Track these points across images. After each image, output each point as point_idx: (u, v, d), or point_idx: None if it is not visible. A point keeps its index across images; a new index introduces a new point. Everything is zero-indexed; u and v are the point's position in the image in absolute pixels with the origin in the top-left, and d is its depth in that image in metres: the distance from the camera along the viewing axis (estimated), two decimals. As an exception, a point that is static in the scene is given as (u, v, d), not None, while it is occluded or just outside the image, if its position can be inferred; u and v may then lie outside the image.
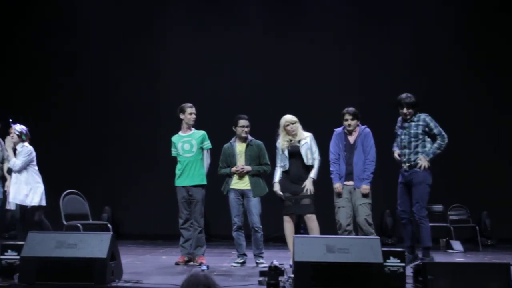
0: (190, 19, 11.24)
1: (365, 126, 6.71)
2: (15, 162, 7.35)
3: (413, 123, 6.35)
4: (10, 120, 7.56)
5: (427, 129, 6.30)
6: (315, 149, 6.71)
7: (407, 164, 6.32)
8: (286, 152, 6.69)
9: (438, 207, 9.72)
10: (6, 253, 5.21)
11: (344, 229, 6.42)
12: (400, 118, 6.50)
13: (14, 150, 7.46)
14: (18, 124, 7.51)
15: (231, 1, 11.32)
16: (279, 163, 6.77)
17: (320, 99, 10.33)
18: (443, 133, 6.30)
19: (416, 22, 10.84)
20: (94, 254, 5.03)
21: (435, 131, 6.29)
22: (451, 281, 4.90)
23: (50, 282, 4.96)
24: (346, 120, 6.64)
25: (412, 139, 6.31)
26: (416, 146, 6.30)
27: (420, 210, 6.25)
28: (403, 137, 6.39)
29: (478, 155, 10.45)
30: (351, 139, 6.65)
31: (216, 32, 11.04)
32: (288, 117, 6.75)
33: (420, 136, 6.30)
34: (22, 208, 7.37)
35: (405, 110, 6.34)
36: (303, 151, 6.64)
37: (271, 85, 10.76)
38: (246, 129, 7.00)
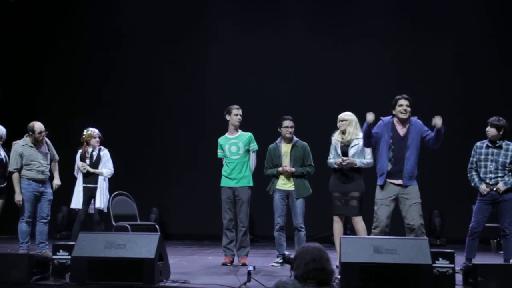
0: (235, 20, 11.27)
1: (416, 117, 6.12)
2: (110, 169, 7.77)
3: (502, 151, 6.44)
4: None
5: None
6: (369, 151, 6.48)
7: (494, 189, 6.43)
8: (338, 150, 6.58)
9: (489, 207, 9.48)
10: (58, 253, 5.35)
11: (382, 229, 5.88)
12: (479, 144, 6.58)
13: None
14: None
15: (275, 1, 11.31)
16: (331, 157, 6.65)
17: (361, 99, 10.20)
18: None
19: (458, 24, 10.63)
20: (143, 254, 5.11)
21: None
22: (502, 282, 4.79)
23: (101, 282, 5.06)
24: (401, 105, 5.96)
25: (500, 167, 6.43)
26: (503, 176, 6.41)
27: (511, 224, 6.41)
28: (489, 163, 6.45)
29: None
30: (402, 131, 6.01)
31: (260, 32, 11.04)
32: (341, 114, 6.65)
33: (508, 166, 6.43)
34: (103, 213, 7.72)
35: (488, 128, 6.48)
36: (350, 152, 6.53)
37: (314, 86, 10.70)
38: (290, 130, 6.99)
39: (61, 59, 11.48)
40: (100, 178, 7.68)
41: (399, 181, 5.98)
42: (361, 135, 6.35)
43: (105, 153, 7.81)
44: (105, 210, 7.74)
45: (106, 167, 7.76)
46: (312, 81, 10.75)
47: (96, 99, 11.25)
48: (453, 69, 10.58)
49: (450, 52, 10.56)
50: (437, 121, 5.82)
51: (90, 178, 7.68)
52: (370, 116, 5.87)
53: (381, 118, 6.17)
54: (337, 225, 6.59)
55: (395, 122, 6.05)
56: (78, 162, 7.72)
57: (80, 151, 7.77)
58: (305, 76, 10.80)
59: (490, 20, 10.59)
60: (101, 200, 7.62)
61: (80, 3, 11.58)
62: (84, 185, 7.66)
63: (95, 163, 7.72)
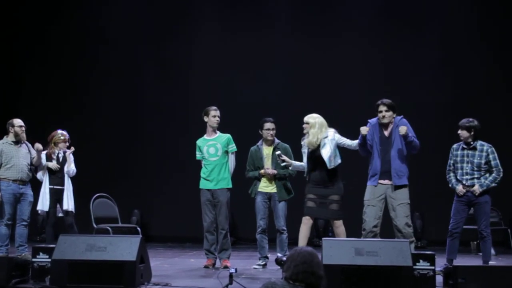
0: (217, 21, 11.26)
1: (402, 116, 6.21)
2: (73, 169, 7.57)
3: (476, 152, 6.43)
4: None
5: (487, 159, 6.44)
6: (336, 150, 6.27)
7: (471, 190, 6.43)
8: (304, 157, 6.43)
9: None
10: (38, 256, 5.31)
11: (369, 230, 5.96)
12: (455, 146, 6.57)
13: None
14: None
15: (257, 2, 11.32)
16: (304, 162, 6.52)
17: (347, 100, 10.27)
18: (500, 167, 6.46)
19: (444, 23, 10.72)
20: (124, 257, 5.09)
21: (493, 163, 6.45)
22: (481, 284, 4.84)
23: (81, 285, 5.03)
24: (380, 111, 6.15)
25: (475, 168, 6.43)
26: (479, 177, 6.42)
27: (487, 226, 6.47)
28: (465, 165, 6.46)
29: (509, 156, 10.27)
30: (386, 131, 6.18)
31: (243, 33, 11.04)
32: (305, 117, 6.42)
33: (483, 166, 6.43)
34: (72, 214, 7.54)
35: (459, 131, 6.45)
36: (324, 155, 6.21)
37: (298, 87, 10.72)
38: (271, 132, 6.98)
39: (44, 60, 11.38)
40: (66, 179, 7.53)
41: (387, 181, 6.09)
42: (327, 135, 6.27)
43: (70, 155, 7.67)
44: (74, 211, 7.58)
45: (70, 167, 7.64)
46: (295, 83, 10.76)
47: (78, 100, 11.16)
48: (440, 68, 10.61)
49: (437, 51, 10.60)
50: (400, 130, 6.01)
51: (57, 179, 7.51)
52: (364, 129, 6.08)
53: (369, 120, 6.28)
54: (305, 227, 6.28)
55: (380, 123, 6.21)
56: (46, 162, 7.58)
57: (45, 152, 7.63)
58: (289, 77, 10.81)
59: (478, 19, 10.64)
60: (68, 201, 7.47)
61: (64, 3, 11.50)
62: (51, 186, 7.49)
63: (61, 164, 7.61)
